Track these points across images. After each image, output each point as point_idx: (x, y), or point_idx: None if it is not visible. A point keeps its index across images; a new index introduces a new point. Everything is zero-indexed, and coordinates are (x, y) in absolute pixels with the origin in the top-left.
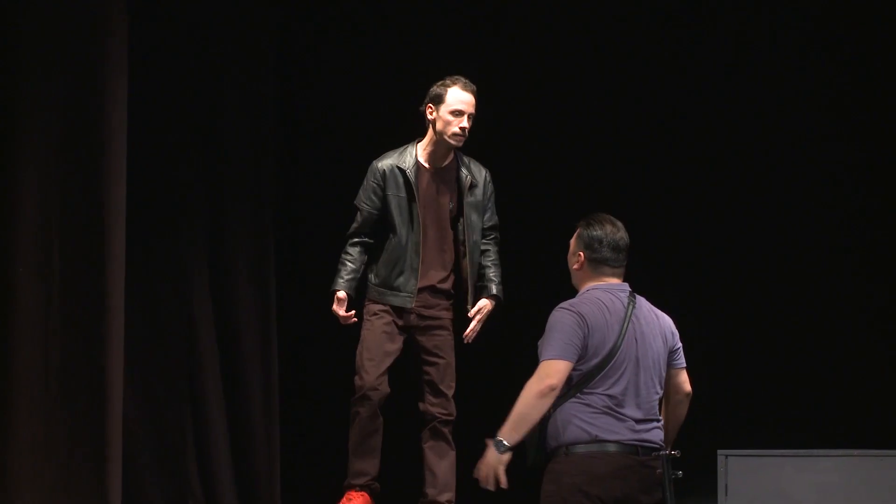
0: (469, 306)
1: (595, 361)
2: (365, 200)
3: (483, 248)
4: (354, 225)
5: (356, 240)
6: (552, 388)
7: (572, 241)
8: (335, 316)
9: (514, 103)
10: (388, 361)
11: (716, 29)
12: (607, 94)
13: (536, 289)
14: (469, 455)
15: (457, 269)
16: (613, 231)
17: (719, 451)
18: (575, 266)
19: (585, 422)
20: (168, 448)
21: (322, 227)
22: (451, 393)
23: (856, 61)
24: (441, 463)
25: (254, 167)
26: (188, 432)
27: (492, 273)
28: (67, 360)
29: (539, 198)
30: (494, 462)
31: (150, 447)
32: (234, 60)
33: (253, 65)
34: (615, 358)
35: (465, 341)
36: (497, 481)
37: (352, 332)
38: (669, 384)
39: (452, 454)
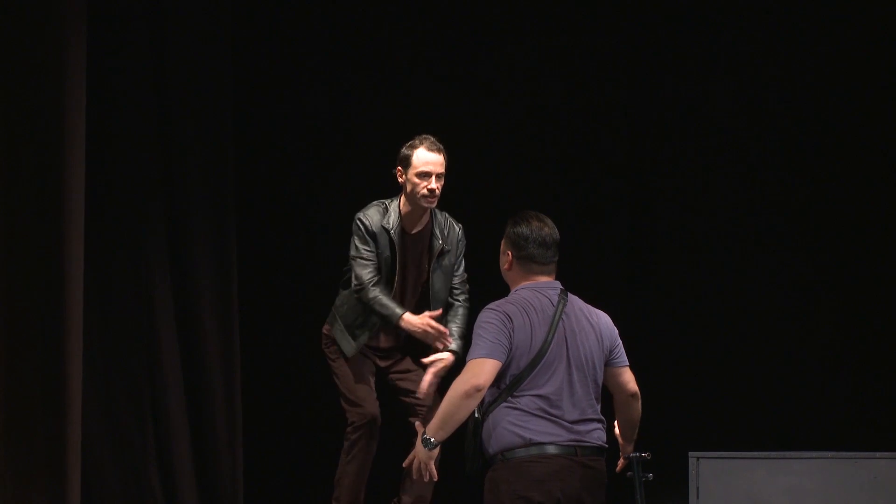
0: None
1: (523, 362)
2: (364, 247)
3: (450, 303)
4: (366, 272)
5: (373, 280)
6: (478, 389)
7: (502, 242)
8: (432, 333)
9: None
10: (373, 384)
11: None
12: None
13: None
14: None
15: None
16: (540, 227)
17: (690, 454)
18: (505, 266)
19: (518, 426)
20: (129, 456)
21: (284, 228)
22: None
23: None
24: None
25: (214, 170)
26: (150, 440)
27: (453, 327)
28: (25, 367)
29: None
30: (424, 457)
31: (111, 456)
32: (193, 60)
33: (212, 62)
34: (544, 358)
35: (420, 396)
36: (430, 473)
37: (315, 334)
38: (612, 384)
39: None
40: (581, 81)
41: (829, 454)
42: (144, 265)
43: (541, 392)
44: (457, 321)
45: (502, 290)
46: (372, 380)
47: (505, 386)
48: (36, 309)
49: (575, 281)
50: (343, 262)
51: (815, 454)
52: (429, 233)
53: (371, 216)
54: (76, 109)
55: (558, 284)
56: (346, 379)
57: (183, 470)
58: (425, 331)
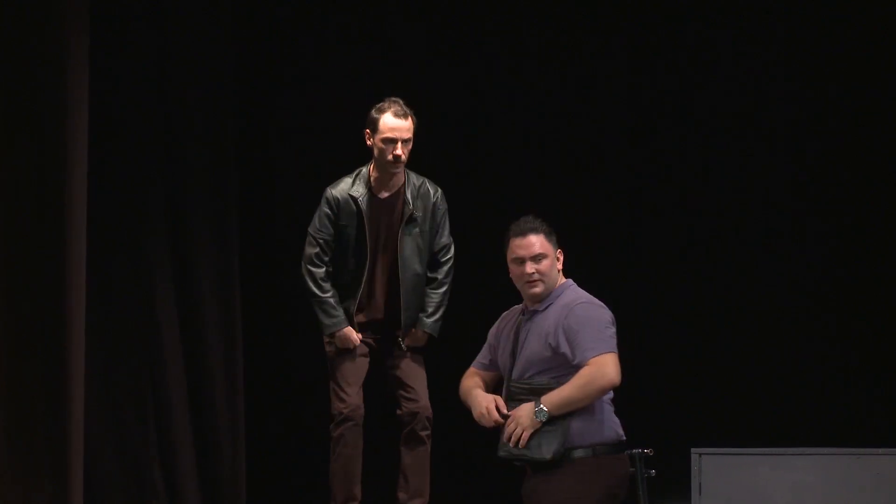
0: (400, 339)
1: None
2: (320, 229)
3: (430, 276)
4: (314, 251)
5: (320, 270)
6: (615, 386)
7: (546, 244)
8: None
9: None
10: (363, 376)
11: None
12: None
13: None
14: (445, 458)
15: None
16: None
17: (693, 450)
18: (558, 267)
19: (613, 421)
20: (131, 454)
21: (286, 226)
22: (425, 390)
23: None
24: (415, 467)
25: (216, 168)
26: (152, 438)
27: (429, 304)
28: (27, 366)
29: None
30: (529, 424)
31: (113, 454)
32: (194, 60)
33: (213, 63)
34: None
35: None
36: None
37: (318, 332)
38: None
39: (427, 458)
40: (580, 80)
41: (832, 450)
42: (146, 264)
43: None
44: (433, 299)
45: (504, 289)
46: (363, 372)
47: None
48: (38, 307)
49: (577, 278)
50: None
51: (817, 450)
52: (401, 197)
53: (339, 187)
54: (78, 109)
55: None
56: (338, 366)
57: (185, 468)
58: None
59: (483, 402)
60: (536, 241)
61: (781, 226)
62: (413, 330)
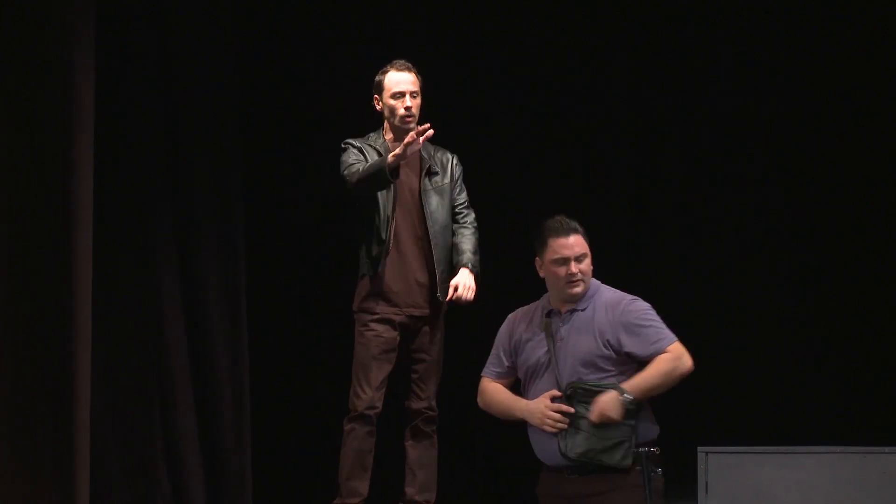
0: (439, 295)
1: None
2: (351, 158)
3: (454, 228)
4: (353, 170)
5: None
6: (691, 372)
7: (585, 244)
8: (407, 146)
9: (487, 100)
10: (385, 375)
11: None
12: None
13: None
14: (452, 454)
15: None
16: None
17: (699, 448)
18: (592, 266)
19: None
20: (137, 449)
21: (293, 223)
22: (434, 390)
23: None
24: (422, 462)
25: (222, 165)
26: (157, 433)
27: (462, 244)
28: (33, 364)
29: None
30: (618, 412)
31: (119, 452)
32: (197, 60)
33: (216, 63)
34: None
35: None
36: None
37: (323, 330)
38: None
39: (434, 453)
40: (581, 80)
41: (839, 449)
42: (151, 263)
43: None
44: (466, 240)
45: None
46: (386, 372)
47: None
48: (43, 306)
49: None
50: (350, 252)
51: (824, 449)
52: (417, 157)
53: (357, 139)
54: (83, 108)
55: None
56: (360, 363)
57: (191, 466)
58: (405, 142)
59: (539, 406)
60: (578, 241)
61: (782, 225)
62: (457, 277)
